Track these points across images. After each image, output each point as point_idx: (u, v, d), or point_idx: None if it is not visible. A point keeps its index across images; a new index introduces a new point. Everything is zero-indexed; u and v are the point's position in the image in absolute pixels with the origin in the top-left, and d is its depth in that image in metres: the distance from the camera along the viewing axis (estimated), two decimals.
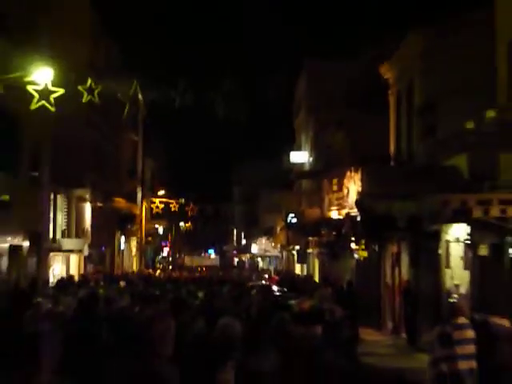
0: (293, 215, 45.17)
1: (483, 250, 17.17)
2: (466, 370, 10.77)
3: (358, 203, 23.87)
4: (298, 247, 46.69)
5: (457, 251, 20.15)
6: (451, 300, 18.75)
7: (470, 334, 11.11)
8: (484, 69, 19.58)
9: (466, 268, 19.03)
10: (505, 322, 11.81)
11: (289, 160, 49.61)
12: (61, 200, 32.52)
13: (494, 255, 16.39)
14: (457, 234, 19.66)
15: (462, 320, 11.31)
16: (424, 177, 20.77)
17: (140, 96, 21.46)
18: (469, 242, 17.88)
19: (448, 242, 20.90)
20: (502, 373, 10.86)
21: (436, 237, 21.29)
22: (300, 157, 48.08)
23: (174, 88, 19.25)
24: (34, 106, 17.54)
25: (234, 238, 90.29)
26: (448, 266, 20.96)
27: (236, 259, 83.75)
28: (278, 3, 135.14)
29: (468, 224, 16.97)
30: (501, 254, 16.11)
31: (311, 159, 44.78)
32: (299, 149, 49.44)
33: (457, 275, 20.25)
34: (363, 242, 27.51)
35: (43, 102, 17.62)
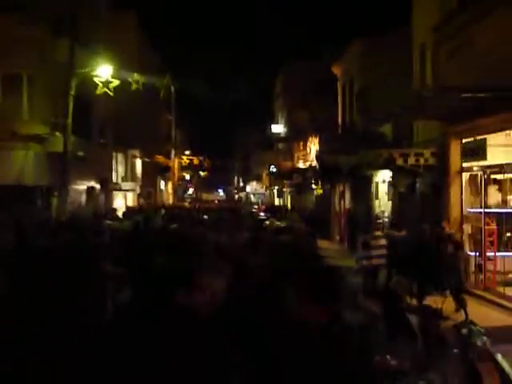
0: (273, 166, 45.55)
1: (401, 188, 16.84)
2: (378, 265, 11.19)
3: (317, 157, 23.70)
4: (276, 187, 46.62)
5: (383, 188, 19.86)
6: (378, 220, 18.69)
7: (382, 241, 11.69)
8: (403, 65, 19.24)
9: (389, 200, 18.74)
10: (402, 233, 12.76)
11: (270, 130, 49.42)
12: (120, 156, 32.16)
13: (408, 191, 16.05)
14: (383, 177, 19.36)
15: (378, 232, 12.16)
16: (361, 139, 20.43)
17: (172, 87, 21.04)
18: (392, 182, 17.59)
19: (377, 183, 20.59)
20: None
21: (369, 179, 20.99)
22: (278, 128, 47.91)
23: (195, 80, 18.78)
24: (99, 91, 17.00)
25: (235, 183, 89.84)
26: (377, 198, 20.70)
27: (236, 196, 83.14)
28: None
29: (391, 170, 16.61)
30: (412, 190, 15.78)
31: (285, 130, 44.37)
32: (277, 123, 49.05)
33: (382, 204, 20.00)
34: (320, 183, 27.26)
35: (105, 89, 17.09)
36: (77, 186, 23.90)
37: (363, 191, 22.07)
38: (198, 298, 3.29)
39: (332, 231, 26.75)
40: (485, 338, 3.84)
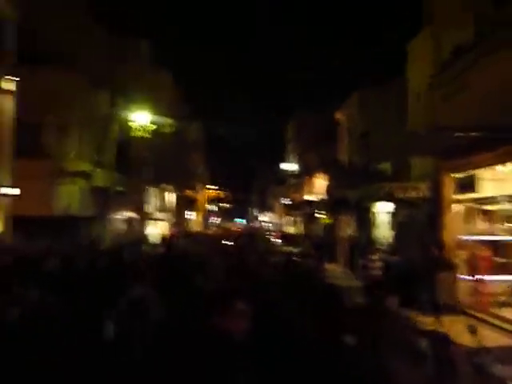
0: (285, 199, 45.20)
1: (400, 218, 16.33)
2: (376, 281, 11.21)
3: (328, 192, 23.54)
4: (289, 217, 46.24)
5: (382, 218, 19.36)
6: (376, 246, 18.18)
7: (378, 264, 12.60)
8: (399, 111, 19.02)
9: (390, 229, 18.20)
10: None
11: (283, 168, 49.08)
12: (155, 191, 32.11)
13: (407, 220, 15.53)
14: (383, 208, 18.89)
15: (374, 257, 13.01)
16: (364, 175, 20.07)
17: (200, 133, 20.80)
18: (393, 212, 17.11)
19: (376, 213, 20.10)
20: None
21: (369, 210, 20.52)
22: (287, 166, 47.59)
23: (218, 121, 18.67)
24: (135, 134, 16.93)
25: (252, 213, 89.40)
26: (376, 227, 20.18)
27: (252, 224, 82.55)
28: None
29: (393, 202, 16.19)
30: (411, 219, 15.28)
31: (297, 168, 44.22)
32: (290, 162, 48.79)
33: (382, 232, 19.46)
34: (329, 213, 26.82)
35: (141, 132, 17.00)
36: (117, 216, 23.84)
37: (364, 221, 21.56)
38: (235, 323, 2.99)
39: (337, 255, 26.07)
40: (499, 366, 3.38)
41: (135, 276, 6.02)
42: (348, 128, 26.25)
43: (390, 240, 17.73)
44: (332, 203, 22.31)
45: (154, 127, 16.59)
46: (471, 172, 10.72)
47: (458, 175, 11.57)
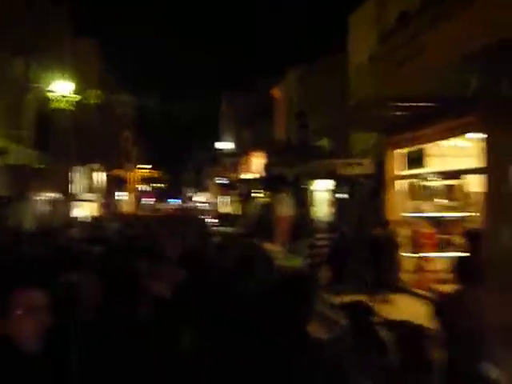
0: (220, 178, 44.33)
1: (340, 195, 15.93)
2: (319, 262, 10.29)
3: (265, 169, 22.96)
4: (224, 197, 45.50)
5: (320, 196, 19.02)
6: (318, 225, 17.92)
7: (323, 242, 11.69)
8: (336, 86, 18.60)
9: (329, 206, 17.83)
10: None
11: (218, 148, 47.92)
12: (82, 169, 30.13)
13: (347, 198, 15.16)
14: (320, 186, 18.53)
15: (321, 235, 12.35)
16: (300, 153, 19.57)
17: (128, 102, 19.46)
18: (333, 190, 16.70)
19: (313, 191, 19.74)
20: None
21: (306, 188, 20.13)
22: (223, 145, 46.50)
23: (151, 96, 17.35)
24: (53, 106, 15.19)
25: (186, 194, 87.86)
26: (312, 205, 19.82)
27: (186, 205, 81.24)
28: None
29: (334, 179, 15.76)
30: (351, 197, 14.92)
31: (232, 147, 43.19)
32: (224, 141, 47.68)
33: (319, 210, 19.14)
34: (264, 192, 26.24)
35: (61, 104, 15.29)
36: (40, 198, 21.93)
37: (302, 199, 21.16)
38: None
39: (274, 234, 25.65)
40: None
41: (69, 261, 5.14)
42: (285, 105, 25.64)
43: (330, 218, 17.38)
44: (269, 182, 21.68)
45: (78, 98, 14.90)
46: (419, 147, 10.29)
47: (404, 150, 11.16)
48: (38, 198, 21.70)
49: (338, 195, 15.92)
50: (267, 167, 22.46)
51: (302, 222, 20.55)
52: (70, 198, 26.98)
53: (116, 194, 42.88)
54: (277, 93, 26.60)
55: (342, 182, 14.22)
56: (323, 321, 3.67)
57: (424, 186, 11.09)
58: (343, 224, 15.56)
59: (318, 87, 19.90)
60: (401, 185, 11.69)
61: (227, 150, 44.35)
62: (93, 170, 33.71)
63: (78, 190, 29.39)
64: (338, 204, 16.23)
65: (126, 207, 47.87)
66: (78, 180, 28.99)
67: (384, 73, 10.62)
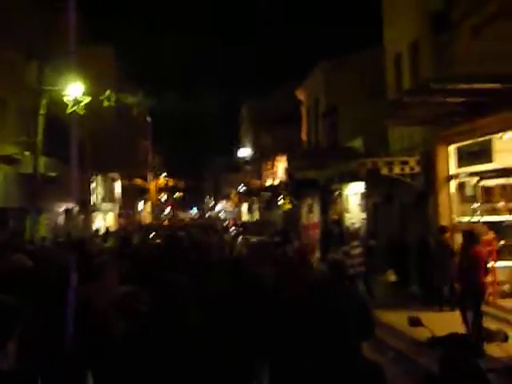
0: (241, 185, 42.99)
1: (376, 199, 14.45)
2: (357, 273, 10.48)
3: (289, 174, 21.49)
4: (246, 204, 44.15)
5: (354, 201, 17.52)
6: (350, 231, 16.57)
7: (359, 250, 10.99)
8: (369, 82, 17.23)
9: (362, 211, 16.33)
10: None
11: (239, 155, 46.44)
12: (99, 179, 29.09)
13: (384, 202, 13.69)
14: (353, 190, 17.03)
15: (355, 243, 11.32)
16: (331, 154, 18.20)
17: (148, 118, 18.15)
18: (366, 194, 15.21)
19: (347, 195, 18.23)
20: None
21: (339, 192, 18.64)
22: (244, 152, 44.99)
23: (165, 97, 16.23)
24: (68, 110, 14.06)
25: (207, 202, 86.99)
26: (348, 211, 18.27)
27: (208, 214, 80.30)
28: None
29: (366, 181, 14.33)
30: (389, 200, 13.46)
31: (252, 153, 41.77)
32: (244, 146, 46.28)
33: (354, 216, 17.64)
34: (289, 198, 24.84)
35: (75, 107, 14.17)
36: (55, 208, 20.96)
37: (333, 204, 19.72)
38: None
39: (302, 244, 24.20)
40: None
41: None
42: (309, 105, 24.28)
43: (365, 224, 15.93)
44: (295, 187, 20.32)
45: (88, 99, 13.78)
46: (479, 140, 8.82)
47: (461, 144, 9.70)
48: (55, 209, 20.77)
49: (375, 199, 14.45)
50: (292, 172, 21.09)
51: (334, 229, 19.21)
52: (89, 208, 26.07)
53: (137, 204, 42.04)
54: (301, 93, 25.25)
55: (380, 184, 12.78)
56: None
57: (483, 187, 9.63)
58: (381, 230, 14.15)
59: (349, 83, 18.45)
60: (454, 185, 10.24)
61: (248, 156, 43.12)
62: (113, 180, 32.82)
63: (98, 200, 28.49)
64: (374, 209, 14.76)
65: (148, 217, 46.99)
66: (97, 189, 28.09)
67: (438, 53, 9.23)
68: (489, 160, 8.63)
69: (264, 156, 34.80)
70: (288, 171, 21.96)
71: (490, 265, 9.61)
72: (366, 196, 15.24)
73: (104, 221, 30.26)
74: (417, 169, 10.66)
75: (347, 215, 18.20)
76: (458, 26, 6.60)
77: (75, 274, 3.51)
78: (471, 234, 7.67)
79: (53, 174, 16.14)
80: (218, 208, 70.79)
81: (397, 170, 10.60)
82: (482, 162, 8.92)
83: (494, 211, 9.93)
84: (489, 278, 9.72)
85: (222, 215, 66.94)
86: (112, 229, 27.53)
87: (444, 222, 10.33)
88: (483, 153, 8.61)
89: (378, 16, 15.11)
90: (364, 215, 16.10)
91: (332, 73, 19.72)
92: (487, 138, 8.55)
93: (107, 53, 28.89)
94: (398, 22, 12.75)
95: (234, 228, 26.75)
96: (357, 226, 17.00)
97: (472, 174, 9.73)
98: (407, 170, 10.59)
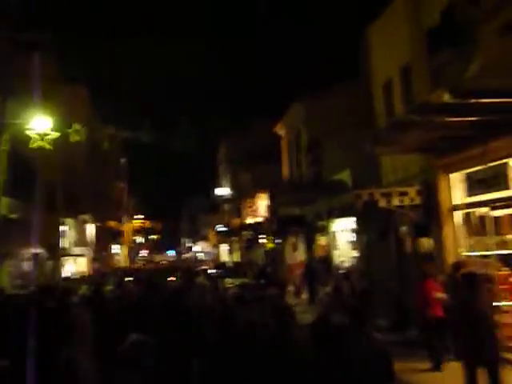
0: (220, 225, 41.59)
1: (369, 235, 13.39)
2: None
3: (271, 211, 20.33)
4: (225, 244, 42.61)
5: (343, 238, 16.45)
6: (340, 271, 15.50)
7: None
8: (351, 113, 16.57)
9: (353, 249, 15.23)
10: None
11: (214, 193, 45.08)
12: (71, 222, 27.46)
13: (379, 239, 12.65)
14: (342, 226, 15.99)
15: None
16: (314, 188, 17.24)
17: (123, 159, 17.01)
18: (357, 230, 14.13)
19: (334, 232, 17.16)
20: None
21: (324, 229, 17.56)
22: (222, 191, 43.74)
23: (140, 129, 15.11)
24: (32, 145, 12.80)
25: (184, 244, 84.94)
26: (336, 248, 17.15)
27: (184, 255, 78.13)
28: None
29: (355, 216, 13.31)
30: (384, 236, 12.43)
31: (231, 192, 40.63)
32: (222, 186, 45.12)
33: (343, 254, 16.52)
34: (271, 237, 23.63)
35: (41, 143, 12.94)
36: (20, 253, 19.32)
37: (319, 241, 18.62)
38: None
39: (286, 283, 22.88)
40: None
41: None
42: (290, 140, 23.51)
43: (355, 262, 14.84)
44: (279, 224, 19.18)
45: (58, 135, 12.59)
46: (491, 165, 7.91)
47: (467, 172, 8.79)
48: (20, 254, 19.16)
49: (369, 235, 13.40)
50: (275, 208, 19.99)
51: (318, 268, 18.07)
52: (59, 252, 24.40)
53: (110, 247, 40.19)
54: (281, 128, 24.54)
55: (374, 219, 11.78)
56: None
57: (493, 217, 8.68)
58: (375, 269, 13.07)
59: (331, 114, 17.82)
60: (460, 216, 9.28)
61: (226, 195, 42.01)
62: (85, 222, 31.15)
63: (68, 244, 26.77)
64: (368, 246, 13.69)
65: (121, 261, 44.98)
66: (67, 233, 26.39)
67: (435, 74, 8.43)
68: (504, 187, 7.69)
69: (243, 194, 33.83)
70: (271, 208, 20.83)
71: (507, 304, 8.60)
72: (357, 232, 14.18)
73: (75, 265, 28.47)
74: (417, 200, 9.70)
75: (336, 252, 17.11)
76: (479, 29, 5.77)
77: None
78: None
79: (14, 216, 14.66)
80: (195, 249, 69.02)
81: (395, 201, 9.61)
82: (496, 190, 7.99)
83: (504, 244, 8.97)
84: (507, 319, 8.67)
85: (199, 256, 65.04)
86: (86, 273, 25.86)
87: (450, 257, 9.32)
88: (497, 179, 7.69)
89: (355, 44, 14.60)
90: (355, 253, 15.02)
91: (312, 106, 19.07)
92: (502, 162, 7.64)
93: (80, 91, 27.90)
94: (386, 45, 12.08)
95: (214, 270, 25.38)
96: (346, 264, 15.94)
97: (481, 204, 8.80)
98: (407, 201, 9.61)
